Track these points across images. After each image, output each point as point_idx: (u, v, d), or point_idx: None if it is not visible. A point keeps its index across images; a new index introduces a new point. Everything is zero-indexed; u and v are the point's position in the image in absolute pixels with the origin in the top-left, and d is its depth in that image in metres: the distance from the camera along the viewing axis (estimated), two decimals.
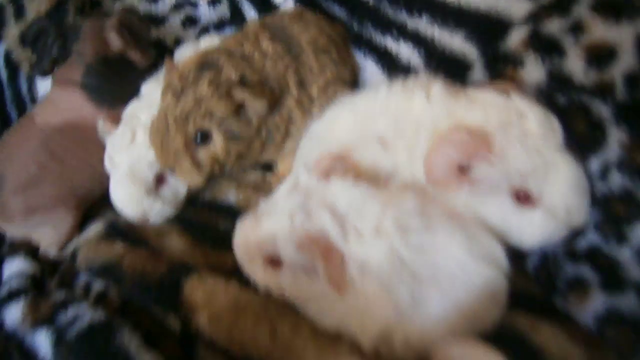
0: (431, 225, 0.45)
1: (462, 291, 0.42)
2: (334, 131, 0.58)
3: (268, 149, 0.68)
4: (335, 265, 0.44)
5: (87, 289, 0.66)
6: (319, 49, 0.69)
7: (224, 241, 0.64)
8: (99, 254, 0.66)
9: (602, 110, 0.52)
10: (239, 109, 0.62)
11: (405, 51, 0.70)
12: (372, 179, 0.50)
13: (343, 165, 0.49)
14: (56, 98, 0.79)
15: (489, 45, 0.62)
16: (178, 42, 0.95)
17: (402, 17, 0.70)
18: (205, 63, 0.62)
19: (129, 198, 0.69)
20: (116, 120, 0.74)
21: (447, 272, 0.43)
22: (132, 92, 0.77)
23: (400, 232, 0.45)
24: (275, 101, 0.64)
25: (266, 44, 0.66)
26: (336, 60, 0.70)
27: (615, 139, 0.51)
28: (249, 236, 0.49)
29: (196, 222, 0.71)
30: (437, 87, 0.52)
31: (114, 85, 0.78)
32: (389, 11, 0.72)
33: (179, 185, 0.71)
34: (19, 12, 0.90)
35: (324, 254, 0.44)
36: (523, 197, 0.49)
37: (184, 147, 0.61)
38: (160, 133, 0.62)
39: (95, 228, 0.73)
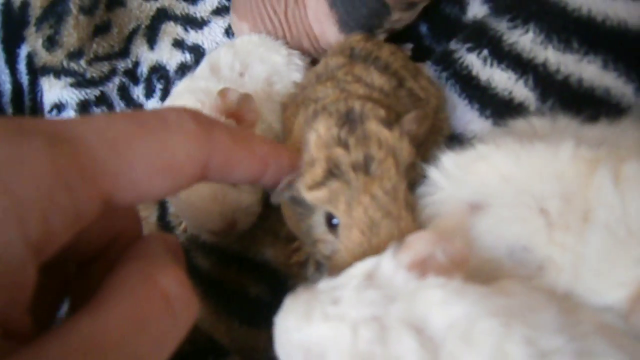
0: (587, 351, 0.29)
1: None
2: (469, 180, 0.39)
3: None
4: None
5: None
6: (414, 73, 0.52)
7: (255, 314, 0.49)
8: None
9: None
10: None
11: (501, 80, 0.51)
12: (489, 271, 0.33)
13: (448, 253, 0.33)
14: None
15: None
16: None
17: (498, 27, 0.53)
18: (347, 117, 0.43)
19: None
20: None
21: None
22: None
23: None
24: None
25: (378, 80, 0.48)
26: (435, 87, 0.53)
27: None
28: (292, 336, 0.34)
29: (221, 282, 0.55)
30: (633, 166, 0.33)
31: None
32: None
33: None
34: None
35: None
36: None
37: (414, 223, 0.41)
38: (383, 229, 0.40)
39: None
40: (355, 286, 0.32)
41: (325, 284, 0.34)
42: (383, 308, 0.30)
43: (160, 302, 0.25)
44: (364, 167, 0.40)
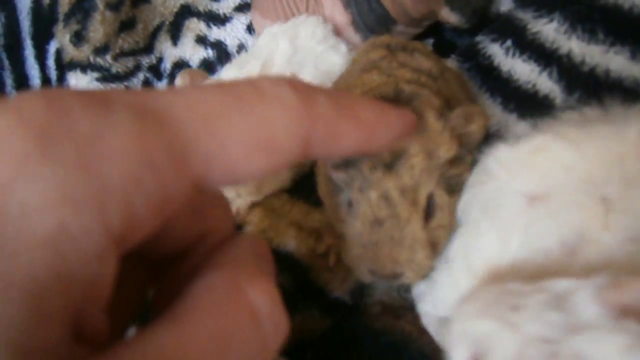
0: None
1: None
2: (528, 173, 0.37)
3: None
4: None
5: None
6: (448, 71, 0.49)
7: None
8: None
9: None
10: None
11: (523, 72, 0.50)
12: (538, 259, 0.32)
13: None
14: None
15: None
16: (240, 47, 0.80)
17: (524, 17, 0.52)
18: (392, 101, 0.39)
19: None
20: None
21: None
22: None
23: None
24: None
25: (426, 63, 0.44)
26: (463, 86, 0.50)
27: None
28: (466, 326, 0.32)
29: None
30: None
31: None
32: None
33: None
34: None
35: None
36: None
37: (423, 231, 0.38)
38: (385, 228, 0.37)
39: None
40: (541, 301, 0.30)
41: (513, 286, 0.32)
42: (561, 335, 0.28)
43: (248, 319, 0.22)
44: (388, 162, 0.37)
